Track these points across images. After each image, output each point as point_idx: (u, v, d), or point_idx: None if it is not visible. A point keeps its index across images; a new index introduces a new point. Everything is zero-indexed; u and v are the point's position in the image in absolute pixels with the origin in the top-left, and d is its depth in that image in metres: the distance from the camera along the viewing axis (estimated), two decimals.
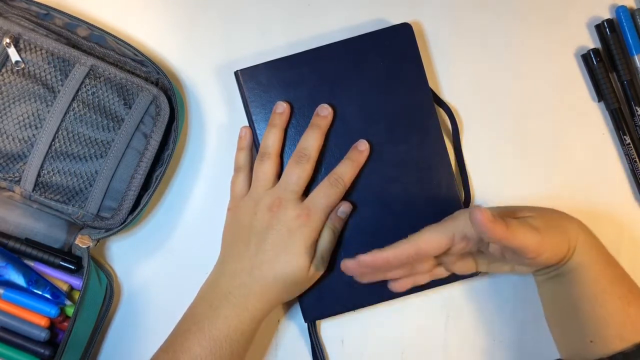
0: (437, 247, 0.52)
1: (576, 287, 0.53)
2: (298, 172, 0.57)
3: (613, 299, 0.52)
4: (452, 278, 0.60)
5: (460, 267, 0.57)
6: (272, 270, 0.54)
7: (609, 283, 0.53)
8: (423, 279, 0.57)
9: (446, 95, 0.63)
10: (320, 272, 0.57)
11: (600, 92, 0.63)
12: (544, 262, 0.52)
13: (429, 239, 0.52)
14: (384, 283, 0.59)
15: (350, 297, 0.60)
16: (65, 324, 0.58)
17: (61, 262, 0.58)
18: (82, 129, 0.57)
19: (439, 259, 0.56)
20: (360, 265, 0.52)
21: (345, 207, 0.58)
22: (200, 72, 0.63)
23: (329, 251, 0.57)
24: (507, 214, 0.52)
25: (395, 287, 0.56)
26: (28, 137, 0.57)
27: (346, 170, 0.58)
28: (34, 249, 0.58)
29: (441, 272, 0.58)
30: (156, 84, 0.60)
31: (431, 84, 0.61)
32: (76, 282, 0.59)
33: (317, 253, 0.56)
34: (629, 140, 0.63)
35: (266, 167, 0.57)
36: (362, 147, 0.59)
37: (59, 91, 0.57)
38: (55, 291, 0.57)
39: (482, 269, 0.58)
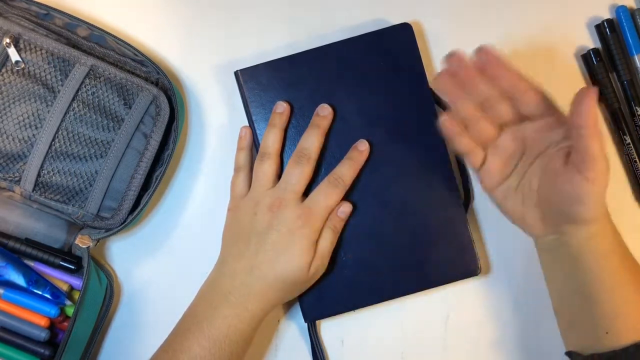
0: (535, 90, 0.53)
1: (595, 274, 0.53)
2: (298, 172, 0.57)
3: (631, 291, 0.52)
4: (452, 278, 0.60)
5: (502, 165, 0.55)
6: (272, 270, 0.55)
7: (628, 275, 0.53)
8: (464, 142, 0.55)
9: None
10: (320, 272, 0.57)
11: (600, 92, 0.63)
12: (587, 197, 0.50)
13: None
14: (383, 283, 0.60)
15: (350, 297, 0.60)
16: (65, 324, 0.58)
17: (61, 262, 0.58)
18: (82, 129, 0.57)
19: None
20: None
21: (345, 207, 0.58)
22: (200, 72, 0.63)
23: (329, 251, 0.57)
24: None
25: (444, 119, 0.55)
26: (28, 137, 0.57)
27: (346, 170, 0.58)
28: (34, 249, 0.58)
29: (473, 158, 0.56)
30: (156, 84, 0.60)
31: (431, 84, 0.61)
32: (76, 282, 0.59)
33: (317, 253, 0.56)
34: (629, 140, 0.63)
35: (266, 167, 0.57)
36: (362, 147, 0.59)
37: (59, 91, 0.57)
38: (55, 291, 0.57)
39: (497, 197, 0.56)
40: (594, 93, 0.49)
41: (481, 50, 0.53)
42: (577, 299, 0.54)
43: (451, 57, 0.54)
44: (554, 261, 0.56)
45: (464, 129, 0.55)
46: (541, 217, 0.54)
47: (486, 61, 0.53)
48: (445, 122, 0.55)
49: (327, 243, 0.57)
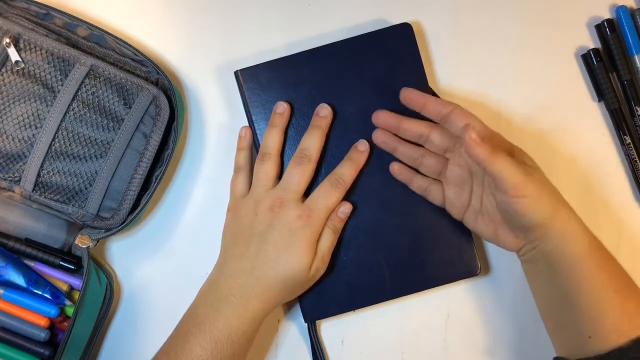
0: (439, 112, 0.55)
1: (572, 280, 0.53)
2: (299, 172, 0.57)
3: (609, 293, 0.52)
4: (452, 278, 0.60)
5: (452, 199, 0.57)
6: (273, 270, 0.54)
7: (606, 277, 0.52)
8: (418, 183, 0.59)
9: (446, 95, 0.63)
10: (321, 273, 0.57)
11: (600, 92, 0.63)
12: (525, 209, 0.51)
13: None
14: (383, 283, 0.60)
15: (350, 297, 0.60)
16: (65, 324, 0.58)
17: (61, 262, 0.58)
18: (82, 129, 0.57)
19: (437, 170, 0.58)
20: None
21: (345, 207, 0.58)
22: (200, 72, 0.63)
23: (330, 251, 0.57)
24: (508, 149, 0.54)
25: (394, 168, 0.59)
26: (28, 137, 0.57)
27: (347, 170, 0.58)
28: (34, 249, 0.58)
29: (434, 194, 0.59)
30: (156, 83, 0.60)
31: (431, 84, 0.61)
32: (76, 282, 0.59)
33: (318, 253, 0.56)
34: (629, 140, 0.63)
35: (267, 168, 0.57)
36: (362, 147, 0.59)
37: (59, 91, 0.57)
38: (55, 291, 0.57)
39: (469, 222, 0.57)
40: (471, 129, 0.51)
41: (403, 93, 0.58)
42: (559, 305, 0.55)
43: (376, 118, 0.59)
44: (535, 271, 0.56)
45: (414, 172, 0.59)
46: (511, 231, 0.55)
47: (406, 99, 0.57)
48: (395, 170, 0.59)
49: (327, 243, 0.57)
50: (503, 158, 0.51)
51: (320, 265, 0.56)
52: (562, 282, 0.54)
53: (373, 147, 0.59)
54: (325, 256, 0.57)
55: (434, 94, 0.61)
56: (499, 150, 0.51)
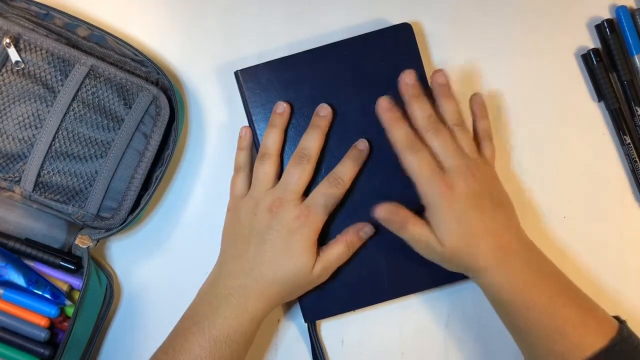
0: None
1: (503, 319, 0.56)
2: (299, 172, 0.57)
3: (537, 336, 0.53)
4: (452, 278, 0.60)
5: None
6: (271, 270, 0.54)
7: (532, 321, 0.53)
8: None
9: None
10: (323, 279, 0.57)
11: (600, 92, 0.63)
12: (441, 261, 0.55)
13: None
14: (383, 283, 0.60)
15: (350, 297, 0.60)
16: (65, 324, 0.58)
17: (61, 262, 0.58)
18: (82, 129, 0.57)
19: None
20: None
21: (368, 229, 0.58)
22: (200, 72, 0.63)
23: (337, 263, 0.57)
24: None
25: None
26: (28, 137, 0.57)
27: (346, 169, 0.58)
28: (34, 249, 0.58)
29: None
30: (156, 84, 0.60)
31: None
32: (76, 282, 0.59)
33: (324, 261, 0.56)
34: (629, 140, 0.63)
35: (266, 167, 0.57)
36: (362, 146, 0.58)
37: (59, 91, 0.57)
38: (55, 291, 0.57)
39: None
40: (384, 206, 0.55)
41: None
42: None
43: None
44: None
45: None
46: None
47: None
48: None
49: (335, 254, 0.57)
50: (411, 226, 0.54)
51: (323, 272, 0.56)
52: (503, 318, 0.57)
53: (373, 147, 0.59)
54: (331, 265, 0.57)
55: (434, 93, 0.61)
56: (409, 216, 0.54)
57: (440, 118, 0.56)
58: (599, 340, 0.51)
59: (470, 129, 0.59)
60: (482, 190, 0.54)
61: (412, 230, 0.54)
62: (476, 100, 0.60)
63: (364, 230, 0.58)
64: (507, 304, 0.54)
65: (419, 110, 0.55)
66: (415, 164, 0.54)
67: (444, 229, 0.53)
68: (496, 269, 0.53)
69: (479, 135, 0.59)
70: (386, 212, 0.54)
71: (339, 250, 0.57)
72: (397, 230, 0.55)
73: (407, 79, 0.56)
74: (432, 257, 0.56)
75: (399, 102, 0.57)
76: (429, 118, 0.55)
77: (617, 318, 0.54)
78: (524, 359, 0.57)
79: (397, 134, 0.55)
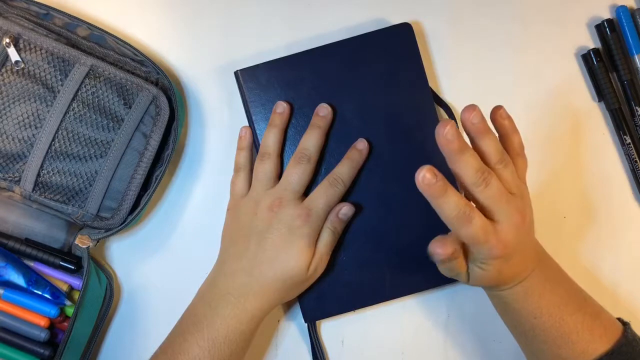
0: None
1: (509, 326, 0.56)
2: (299, 172, 0.57)
3: (543, 341, 0.53)
4: (453, 278, 0.60)
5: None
6: (271, 269, 0.54)
7: (539, 328, 0.53)
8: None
9: (446, 95, 0.64)
10: (319, 273, 0.57)
11: (600, 92, 0.63)
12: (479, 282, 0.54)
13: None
14: (383, 283, 0.60)
15: (350, 297, 0.60)
16: (65, 324, 0.58)
17: (61, 262, 0.58)
18: (82, 128, 0.57)
19: None
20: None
21: (346, 209, 0.57)
22: (200, 72, 0.63)
23: (328, 252, 0.57)
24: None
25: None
26: (28, 137, 0.57)
27: (345, 169, 0.58)
28: (34, 249, 0.58)
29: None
30: (156, 84, 0.60)
31: (431, 84, 0.61)
32: (76, 282, 0.59)
33: (316, 253, 0.56)
34: (629, 140, 0.63)
35: (266, 167, 0.57)
36: (361, 146, 0.58)
37: (58, 91, 0.57)
38: (55, 291, 0.57)
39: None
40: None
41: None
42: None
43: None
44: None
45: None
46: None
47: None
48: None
49: (326, 243, 0.57)
50: (455, 263, 0.52)
51: (318, 265, 0.56)
52: (509, 324, 0.56)
53: (373, 147, 0.59)
54: (324, 256, 0.57)
55: (434, 94, 0.61)
56: (457, 254, 0.51)
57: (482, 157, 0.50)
58: (604, 345, 0.52)
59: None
60: (527, 228, 0.52)
61: (453, 269, 0.52)
62: (501, 115, 0.53)
63: (342, 211, 0.57)
64: (514, 311, 0.54)
65: (467, 166, 0.49)
66: (469, 233, 0.48)
67: (482, 277, 0.52)
68: (508, 286, 0.54)
69: (513, 152, 0.53)
70: (443, 253, 0.50)
71: (326, 238, 0.57)
72: (441, 264, 0.52)
73: (448, 134, 0.48)
74: (449, 276, 0.55)
75: (405, 105, 0.57)
76: (476, 172, 0.49)
77: (620, 320, 0.55)
78: None
79: (447, 209, 0.48)
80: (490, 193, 0.49)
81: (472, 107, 0.49)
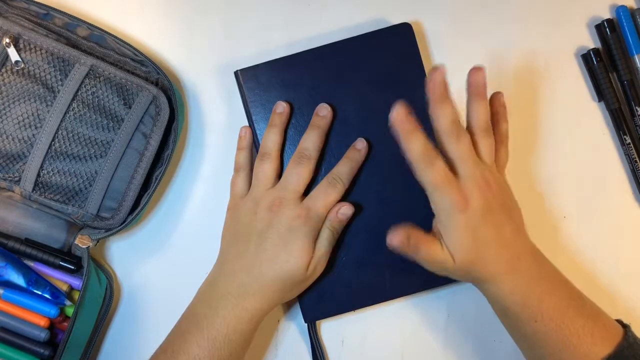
0: None
1: (509, 330, 0.56)
2: (299, 172, 0.57)
3: (544, 345, 0.53)
4: (453, 278, 0.60)
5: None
6: (271, 269, 0.54)
7: (540, 332, 0.53)
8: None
9: None
10: (319, 273, 0.57)
11: (600, 92, 0.63)
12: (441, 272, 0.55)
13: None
14: (383, 283, 0.60)
15: (350, 297, 0.60)
16: (65, 324, 0.58)
17: (61, 262, 0.58)
18: (82, 129, 0.57)
19: None
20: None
21: (346, 209, 0.57)
22: (200, 72, 0.63)
23: (328, 251, 0.57)
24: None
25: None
26: (28, 137, 0.57)
27: (345, 169, 0.58)
28: (34, 249, 0.58)
29: None
30: (156, 84, 0.60)
31: None
32: (76, 282, 0.59)
33: (316, 253, 0.56)
34: (629, 140, 0.63)
35: (266, 167, 0.57)
36: (360, 146, 0.58)
37: (58, 91, 0.57)
38: (55, 291, 0.57)
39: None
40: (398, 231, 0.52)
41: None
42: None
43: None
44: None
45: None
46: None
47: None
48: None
49: (325, 243, 0.57)
50: (425, 248, 0.53)
51: (318, 265, 0.56)
52: (509, 328, 0.56)
53: (373, 147, 0.59)
54: (324, 256, 0.57)
55: None
56: (420, 242, 0.53)
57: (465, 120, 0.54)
58: (605, 348, 0.51)
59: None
60: (496, 202, 0.52)
61: (425, 253, 0.53)
62: (499, 100, 0.57)
63: (341, 210, 0.57)
64: (514, 315, 0.54)
65: (445, 114, 0.51)
66: (430, 176, 0.51)
67: (456, 244, 0.52)
68: (505, 280, 0.53)
69: (497, 139, 0.56)
70: (398, 242, 0.52)
71: (325, 237, 0.56)
72: (412, 255, 0.53)
73: (437, 77, 0.51)
74: (442, 272, 0.55)
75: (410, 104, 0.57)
76: (452, 123, 0.51)
77: (619, 322, 0.54)
78: None
79: (413, 147, 0.51)
80: (459, 147, 0.52)
81: (480, 68, 0.53)
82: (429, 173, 0.51)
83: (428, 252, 0.53)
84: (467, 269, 0.53)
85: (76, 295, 0.59)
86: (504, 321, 0.56)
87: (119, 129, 0.58)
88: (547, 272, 0.55)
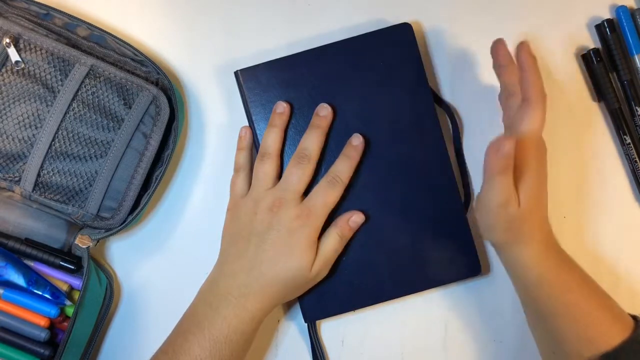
0: None
1: (540, 302, 0.56)
2: (299, 172, 0.56)
3: (573, 319, 0.54)
4: (453, 278, 0.60)
5: None
6: (272, 270, 0.54)
7: (571, 304, 0.54)
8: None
9: (446, 95, 0.64)
10: (322, 276, 0.57)
11: (600, 92, 0.63)
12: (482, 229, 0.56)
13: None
14: (383, 283, 0.60)
15: (350, 297, 0.60)
16: (65, 324, 0.58)
17: (61, 262, 0.58)
18: (82, 128, 0.57)
19: None
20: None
21: (357, 217, 0.58)
22: (200, 72, 0.63)
23: (333, 256, 0.57)
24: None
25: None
26: (28, 137, 0.57)
27: (343, 167, 0.58)
28: (34, 249, 0.58)
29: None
30: (156, 84, 0.60)
31: (431, 84, 0.61)
32: (76, 282, 0.59)
33: (321, 257, 0.56)
34: (629, 140, 0.63)
35: (266, 167, 0.57)
36: (356, 142, 0.58)
37: (59, 91, 0.57)
38: (55, 291, 0.57)
39: None
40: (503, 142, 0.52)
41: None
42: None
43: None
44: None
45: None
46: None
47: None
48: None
49: (331, 248, 0.56)
50: (501, 178, 0.52)
51: (322, 268, 0.56)
52: (534, 303, 0.56)
53: (373, 147, 0.59)
54: (328, 260, 0.57)
55: (434, 94, 0.61)
56: (509, 167, 0.51)
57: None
58: (623, 332, 0.52)
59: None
60: (543, 160, 0.55)
61: (503, 181, 0.51)
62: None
63: (353, 219, 0.58)
64: (548, 282, 0.54)
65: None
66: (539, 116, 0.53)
67: (529, 190, 0.52)
68: (546, 247, 0.55)
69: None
70: (509, 148, 0.50)
71: (333, 242, 0.57)
72: (490, 173, 0.52)
73: (527, 48, 0.54)
74: (496, 217, 0.54)
75: (405, 105, 0.57)
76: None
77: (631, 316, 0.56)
78: (540, 350, 0.58)
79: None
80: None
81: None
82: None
83: (505, 180, 0.51)
84: (522, 219, 0.53)
85: (76, 295, 0.59)
86: (524, 293, 0.57)
87: (119, 129, 0.58)
88: (564, 255, 0.57)
